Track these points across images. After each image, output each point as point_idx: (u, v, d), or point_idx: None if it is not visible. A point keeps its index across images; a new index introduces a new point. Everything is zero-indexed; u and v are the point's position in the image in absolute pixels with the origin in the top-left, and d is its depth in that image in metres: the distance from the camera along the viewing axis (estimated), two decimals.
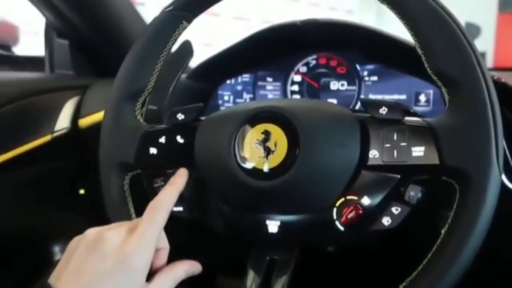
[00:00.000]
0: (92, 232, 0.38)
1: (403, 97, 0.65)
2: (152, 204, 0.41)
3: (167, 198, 0.42)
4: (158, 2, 0.51)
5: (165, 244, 0.41)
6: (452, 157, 0.37)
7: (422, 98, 0.64)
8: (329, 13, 4.19)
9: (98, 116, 0.69)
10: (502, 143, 0.37)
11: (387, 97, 0.66)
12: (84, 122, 0.71)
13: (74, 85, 0.75)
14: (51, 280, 0.36)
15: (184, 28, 0.50)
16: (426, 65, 0.40)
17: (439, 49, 0.39)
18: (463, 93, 0.37)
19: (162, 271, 0.40)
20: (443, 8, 0.39)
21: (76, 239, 0.39)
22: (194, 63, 0.73)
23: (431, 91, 0.63)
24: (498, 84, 0.50)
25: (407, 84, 0.65)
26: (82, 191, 0.79)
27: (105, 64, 0.81)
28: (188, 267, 0.42)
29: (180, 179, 0.45)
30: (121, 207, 0.48)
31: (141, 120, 0.50)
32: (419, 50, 0.40)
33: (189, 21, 0.50)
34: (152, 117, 0.58)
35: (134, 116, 0.50)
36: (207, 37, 3.18)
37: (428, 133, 0.39)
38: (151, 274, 0.39)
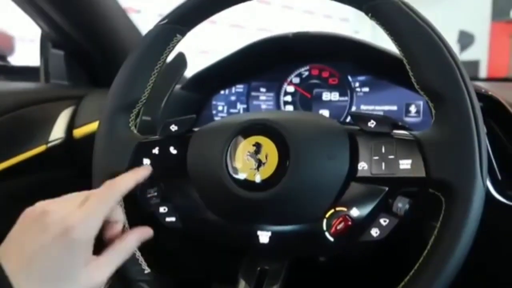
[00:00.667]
0: (40, 204, 0.38)
1: (394, 108, 0.66)
2: (107, 183, 0.41)
3: (124, 181, 0.43)
4: (154, 10, 0.52)
5: (119, 217, 0.42)
6: (437, 170, 0.38)
7: (413, 109, 0.65)
8: (324, 21, 4.22)
9: (93, 126, 0.70)
10: (486, 155, 0.38)
11: (378, 108, 0.67)
12: (78, 132, 0.72)
13: (69, 95, 0.76)
14: None
15: (178, 41, 0.51)
16: (413, 79, 0.41)
17: (425, 65, 0.40)
18: (447, 107, 0.38)
19: (113, 243, 0.40)
20: (429, 25, 0.41)
21: (27, 210, 0.39)
22: (190, 71, 0.74)
23: (421, 102, 0.64)
24: (485, 98, 0.52)
25: (398, 95, 0.66)
26: None
27: (100, 74, 0.82)
28: (139, 235, 0.43)
29: (143, 170, 0.46)
30: None
31: (135, 131, 0.51)
32: (406, 65, 0.41)
33: (183, 34, 0.51)
34: (146, 128, 0.59)
35: (127, 127, 0.51)
36: (204, 45, 3.20)
37: (415, 146, 0.40)
38: (104, 247, 0.39)
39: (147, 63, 0.50)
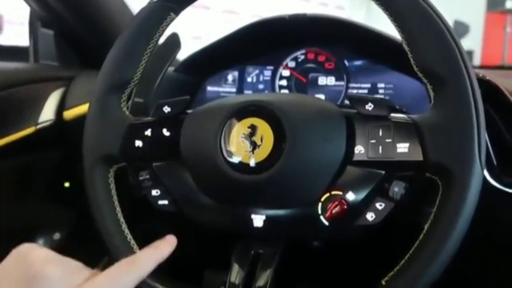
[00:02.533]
0: (38, 256, 0.31)
1: (390, 92, 0.66)
2: (124, 262, 0.35)
3: (144, 262, 0.36)
4: None
5: None
6: (435, 154, 0.37)
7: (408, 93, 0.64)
8: (320, 8, 4.19)
9: (83, 108, 0.68)
10: (485, 140, 0.37)
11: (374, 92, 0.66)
12: (69, 114, 0.70)
13: (59, 76, 0.74)
14: None
15: (172, 20, 0.50)
16: (412, 62, 0.40)
17: (425, 47, 0.39)
18: (447, 90, 0.38)
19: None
20: (430, 5, 0.40)
21: (19, 254, 0.32)
22: (183, 55, 0.72)
23: (417, 87, 0.63)
24: (483, 82, 0.51)
25: (395, 79, 0.65)
26: (67, 184, 0.78)
27: (91, 55, 0.80)
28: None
29: (167, 246, 0.39)
30: (105, 200, 0.47)
31: (127, 113, 0.50)
32: (405, 47, 0.40)
33: (177, 13, 0.50)
34: (139, 110, 0.58)
35: (119, 108, 0.49)
36: (197, 30, 3.16)
37: (412, 130, 0.39)
38: None
39: (140, 42, 0.49)
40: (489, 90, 0.52)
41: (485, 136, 0.37)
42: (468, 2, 3.82)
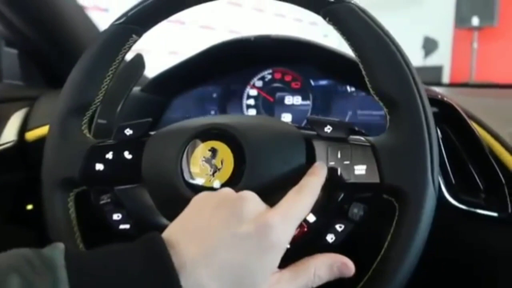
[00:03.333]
0: (226, 190, 0.34)
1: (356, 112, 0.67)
2: (297, 187, 0.36)
3: (314, 184, 0.37)
4: (123, 9, 0.50)
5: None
6: (391, 176, 0.38)
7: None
8: (295, 24, 4.26)
9: (46, 129, 0.67)
10: (438, 162, 0.38)
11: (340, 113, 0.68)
12: (31, 135, 0.69)
13: (22, 96, 0.72)
14: (166, 234, 0.31)
15: (135, 42, 0.50)
16: (368, 85, 0.41)
17: (379, 71, 0.40)
18: (400, 113, 0.39)
19: (302, 261, 0.34)
20: (383, 29, 0.41)
21: (204, 194, 0.34)
22: (158, 71, 0.72)
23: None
24: (440, 103, 0.53)
25: (359, 100, 0.67)
26: (30, 207, 0.75)
27: (57, 74, 0.79)
28: (333, 262, 0.35)
29: (321, 169, 0.39)
30: (64, 225, 0.46)
31: (88, 135, 0.49)
32: (362, 70, 0.41)
33: (139, 35, 0.50)
34: (102, 132, 0.57)
35: (80, 130, 0.49)
36: (173, 46, 3.16)
37: (369, 152, 0.40)
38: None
39: (101, 64, 0.49)
40: (446, 110, 0.54)
41: (437, 157, 0.38)
42: (437, 19, 3.96)
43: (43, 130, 0.67)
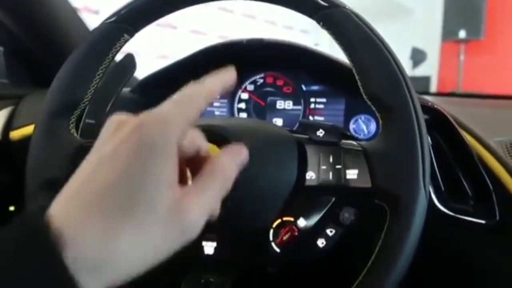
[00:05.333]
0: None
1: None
2: (189, 87, 0.30)
3: (211, 83, 0.31)
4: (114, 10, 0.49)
5: (201, 143, 0.31)
6: (382, 181, 0.38)
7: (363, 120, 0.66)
8: (286, 31, 4.29)
9: (31, 128, 0.65)
10: (429, 167, 0.38)
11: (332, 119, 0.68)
12: (15, 134, 0.67)
13: (8, 95, 0.71)
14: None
15: (126, 41, 0.49)
16: (361, 90, 0.41)
17: (373, 76, 0.40)
18: (393, 118, 0.39)
19: (202, 170, 0.28)
20: (377, 36, 0.41)
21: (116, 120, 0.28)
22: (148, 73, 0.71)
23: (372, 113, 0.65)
24: (431, 111, 0.53)
25: (350, 105, 0.67)
26: (12, 208, 0.73)
27: (44, 73, 0.77)
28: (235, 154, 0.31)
29: (230, 74, 0.33)
30: None
31: (75, 135, 0.48)
32: (356, 75, 0.41)
33: (131, 34, 0.49)
34: (90, 133, 0.56)
35: (67, 130, 0.47)
36: (164, 49, 3.14)
37: (361, 157, 0.40)
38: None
39: (91, 63, 0.48)
40: (437, 118, 0.54)
41: (429, 163, 0.38)
42: (425, 31, 4.02)
43: (28, 129, 0.66)
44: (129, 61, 0.59)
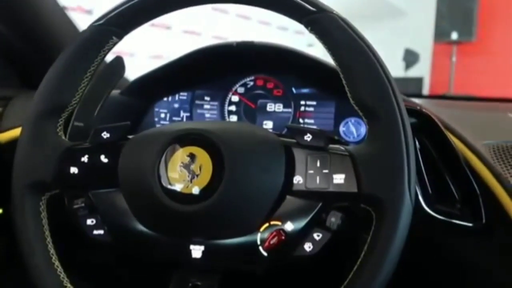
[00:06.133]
0: None
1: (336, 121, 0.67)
2: None
3: None
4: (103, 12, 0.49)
5: None
6: (368, 186, 0.38)
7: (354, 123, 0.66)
8: (280, 32, 4.29)
9: (19, 131, 0.65)
10: (415, 173, 0.39)
11: (320, 121, 0.68)
12: (3, 136, 0.66)
13: None
14: None
15: (114, 44, 0.49)
16: (348, 94, 0.41)
17: (359, 81, 0.40)
18: (379, 124, 0.39)
19: None
20: (365, 41, 0.41)
21: None
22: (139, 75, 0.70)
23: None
24: (418, 113, 0.53)
25: (340, 109, 0.67)
26: (0, 211, 0.73)
27: (32, 74, 0.76)
28: None
29: None
30: (35, 231, 0.44)
31: (63, 137, 0.48)
32: (343, 80, 0.42)
33: (120, 37, 0.49)
34: (78, 135, 0.55)
35: (55, 132, 0.47)
36: (158, 50, 3.13)
37: (348, 161, 0.40)
38: None
39: (79, 65, 0.47)
40: (425, 121, 0.54)
41: (414, 168, 0.39)
42: (418, 33, 4.05)
43: (16, 132, 0.65)
44: (118, 63, 0.59)
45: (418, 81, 3.95)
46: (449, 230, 0.52)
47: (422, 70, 4.09)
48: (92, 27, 0.48)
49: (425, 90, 4.05)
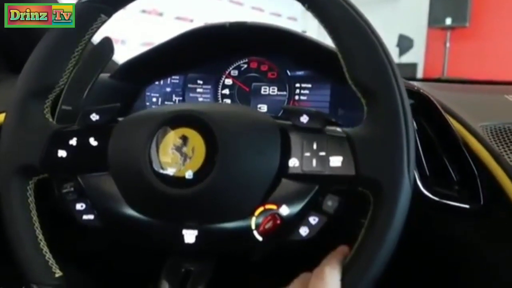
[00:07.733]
0: None
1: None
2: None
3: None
4: None
5: None
6: (366, 168, 0.37)
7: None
8: (273, 18, 4.24)
9: (3, 116, 0.63)
10: (414, 155, 0.38)
11: (315, 103, 0.67)
12: None
13: None
14: None
15: (103, 22, 0.47)
16: (346, 74, 0.40)
17: (358, 61, 0.39)
18: (378, 104, 0.38)
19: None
20: (365, 21, 0.40)
21: None
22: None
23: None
24: (416, 95, 0.52)
25: (335, 90, 0.66)
26: None
27: (19, 58, 0.74)
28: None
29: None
30: (22, 216, 0.43)
31: (50, 119, 0.46)
32: (341, 60, 0.40)
33: (109, 14, 0.47)
34: (66, 118, 0.54)
35: (42, 115, 0.46)
36: (149, 36, 3.09)
37: (345, 143, 0.38)
38: None
39: (65, 44, 0.46)
40: (422, 102, 0.53)
41: (414, 150, 0.38)
42: (411, 19, 4.02)
43: (2, 116, 0.63)
44: (106, 44, 0.57)
45: (412, 66, 3.94)
46: (446, 212, 0.51)
47: (416, 56, 4.07)
48: (79, 4, 0.46)
49: (419, 76, 4.04)
